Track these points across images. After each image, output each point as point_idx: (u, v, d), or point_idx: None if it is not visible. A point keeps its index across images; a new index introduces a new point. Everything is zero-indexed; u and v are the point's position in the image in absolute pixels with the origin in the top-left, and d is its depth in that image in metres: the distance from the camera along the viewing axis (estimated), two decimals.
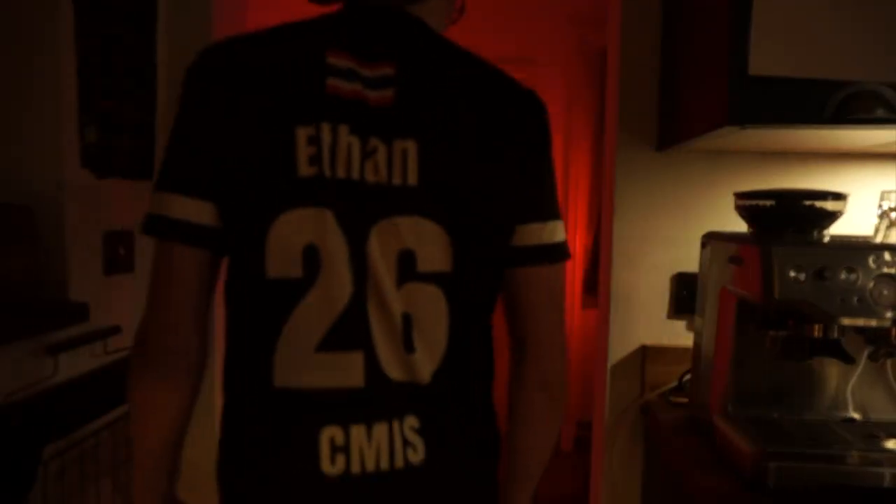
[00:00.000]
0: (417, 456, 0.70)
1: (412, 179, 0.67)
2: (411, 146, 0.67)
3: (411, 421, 0.71)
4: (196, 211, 0.67)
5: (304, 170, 0.65)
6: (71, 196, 1.16)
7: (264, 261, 0.67)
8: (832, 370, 1.19)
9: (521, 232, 0.76)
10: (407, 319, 0.70)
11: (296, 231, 0.66)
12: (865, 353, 1.15)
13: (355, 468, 0.68)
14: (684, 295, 1.51)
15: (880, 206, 1.27)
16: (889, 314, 1.01)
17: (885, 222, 1.24)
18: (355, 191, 0.67)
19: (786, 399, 1.19)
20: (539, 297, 0.78)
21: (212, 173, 0.67)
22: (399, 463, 0.70)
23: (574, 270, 3.67)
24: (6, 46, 1.11)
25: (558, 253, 0.78)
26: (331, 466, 0.68)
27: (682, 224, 1.51)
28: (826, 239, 1.15)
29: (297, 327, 0.68)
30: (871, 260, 1.02)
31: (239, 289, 0.71)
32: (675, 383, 1.48)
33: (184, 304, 0.70)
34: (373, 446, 0.69)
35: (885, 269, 1.02)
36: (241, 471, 0.73)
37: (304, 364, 0.68)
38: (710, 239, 1.32)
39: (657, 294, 1.54)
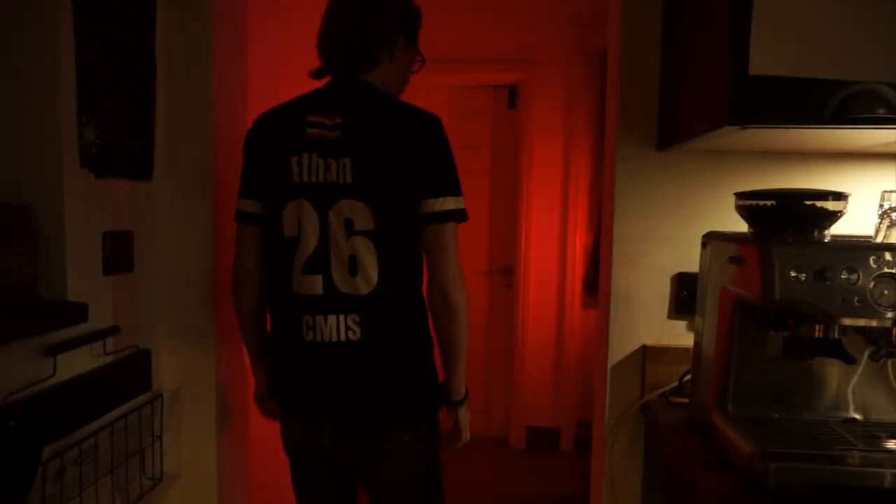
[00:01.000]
0: (355, 336, 1.27)
1: (349, 179, 1.24)
2: (348, 161, 1.24)
3: (353, 316, 1.26)
4: (252, 206, 1.33)
5: (295, 179, 1.27)
6: (70, 196, 1.15)
7: (282, 228, 1.28)
8: (833, 370, 1.19)
9: (424, 205, 1.26)
10: (352, 258, 1.25)
11: (293, 212, 1.27)
12: (866, 353, 1.15)
13: (318, 338, 1.27)
14: (684, 295, 1.51)
15: (881, 206, 1.27)
16: (890, 314, 1.01)
17: (886, 222, 1.24)
18: (320, 188, 1.25)
19: (786, 399, 1.19)
20: (436, 240, 1.27)
21: (255, 187, 1.32)
22: (343, 338, 1.27)
23: (574, 270, 3.68)
24: (5, 46, 1.11)
25: (445, 216, 1.27)
26: (306, 337, 1.28)
27: (682, 224, 1.51)
28: (826, 239, 1.15)
29: (295, 261, 1.27)
30: (871, 260, 1.02)
31: (270, 243, 1.32)
32: (675, 383, 1.48)
33: (248, 254, 1.36)
34: (328, 328, 1.27)
35: (886, 269, 1.02)
36: (273, 337, 1.38)
37: (297, 280, 1.28)
38: (711, 239, 1.32)
39: (657, 294, 1.54)
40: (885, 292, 1.01)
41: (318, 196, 1.25)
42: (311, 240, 1.26)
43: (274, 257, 1.32)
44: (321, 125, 1.26)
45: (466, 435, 1.44)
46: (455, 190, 1.28)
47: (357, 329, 1.27)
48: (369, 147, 1.24)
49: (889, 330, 1.08)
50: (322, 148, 1.25)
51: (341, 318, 1.27)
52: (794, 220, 1.15)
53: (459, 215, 1.28)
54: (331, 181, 1.25)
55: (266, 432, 2.26)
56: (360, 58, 1.32)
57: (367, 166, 1.24)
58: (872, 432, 1.10)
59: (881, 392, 1.18)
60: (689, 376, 1.43)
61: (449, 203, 1.27)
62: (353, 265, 1.25)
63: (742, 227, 1.30)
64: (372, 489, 1.39)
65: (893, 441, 1.07)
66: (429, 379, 1.36)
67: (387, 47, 1.35)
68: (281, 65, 2.41)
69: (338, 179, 1.25)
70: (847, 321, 1.04)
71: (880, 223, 1.26)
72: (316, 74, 1.35)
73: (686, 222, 1.51)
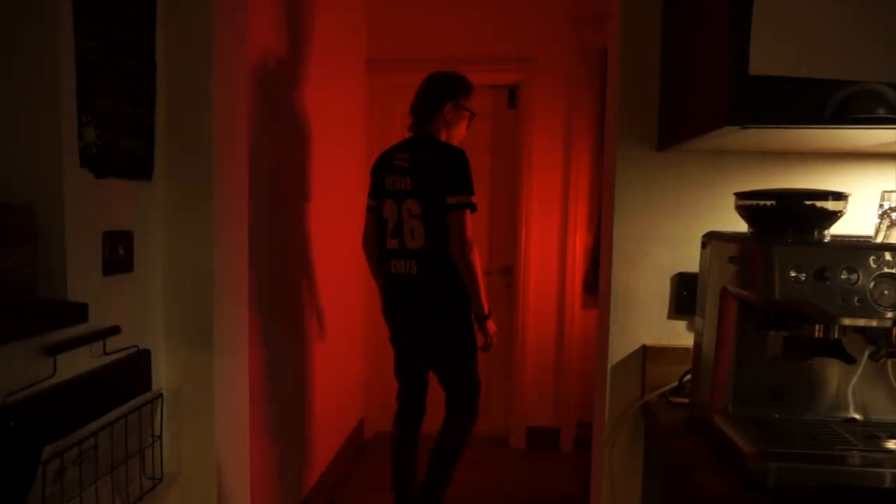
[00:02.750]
0: (414, 271, 2.41)
1: (409, 188, 2.40)
2: (409, 178, 2.41)
3: (413, 261, 2.41)
4: (371, 202, 2.57)
5: (388, 187, 2.46)
6: (70, 196, 1.15)
7: (382, 214, 2.49)
8: (833, 370, 1.19)
9: (447, 199, 2.34)
10: (412, 230, 2.40)
11: (386, 206, 2.47)
12: (866, 353, 1.15)
13: (396, 271, 2.46)
14: (684, 295, 1.51)
15: (881, 206, 1.27)
16: (890, 314, 1.01)
17: (886, 222, 1.24)
18: (397, 193, 2.43)
19: (786, 399, 1.19)
20: (454, 221, 2.34)
21: (373, 192, 2.57)
22: (407, 272, 2.42)
23: (574, 270, 3.68)
24: (5, 46, 1.11)
25: (458, 206, 2.33)
26: (392, 270, 2.48)
27: (682, 224, 1.51)
28: (826, 239, 1.15)
29: (386, 231, 2.48)
30: (871, 260, 1.02)
31: (377, 222, 2.53)
32: (675, 383, 1.48)
33: (370, 228, 2.61)
34: (401, 266, 2.44)
35: (886, 269, 1.02)
36: (380, 270, 2.60)
37: (387, 241, 2.47)
38: (711, 239, 1.32)
39: (657, 294, 1.54)
40: (885, 292, 1.01)
41: (396, 197, 2.43)
42: (392, 220, 2.45)
43: (378, 230, 2.53)
44: (400, 159, 2.46)
45: (493, 340, 2.53)
46: (466, 191, 2.36)
47: (415, 268, 2.42)
48: (420, 170, 2.40)
49: (889, 330, 1.08)
50: (399, 171, 2.44)
51: (407, 261, 2.44)
52: (794, 220, 1.15)
53: (468, 206, 2.35)
54: (402, 189, 2.42)
55: (266, 432, 2.26)
56: (422, 119, 2.52)
57: (418, 181, 2.39)
58: (872, 432, 1.10)
59: (881, 392, 1.18)
60: (689, 376, 1.43)
61: (461, 198, 2.35)
62: (412, 234, 2.41)
63: (742, 227, 1.30)
64: (431, 356, 2.53)
65: (893, 441, 1.07)
66: (453, 296, 2.43)
67: (439, 111, 2.50)
68: (281, 64, 2.41)
69: (404, 188, 2.41)
70: (847, 321, 1.04)
71: (880, 223, 1.26)
72: (410, 129, 2.55)
73: (686, 222, 1.51)
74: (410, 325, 2.49)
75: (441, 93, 2.49)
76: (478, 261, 2.37)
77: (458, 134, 2.56)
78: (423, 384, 2.64)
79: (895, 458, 1.01)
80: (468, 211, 2.33)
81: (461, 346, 2.47)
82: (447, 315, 2.43)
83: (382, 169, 2.49)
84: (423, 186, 2.36)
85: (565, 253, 3.68)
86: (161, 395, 1.42)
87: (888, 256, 1.02)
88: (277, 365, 2.43)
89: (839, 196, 1.13)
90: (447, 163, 2.35)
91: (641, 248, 1.54)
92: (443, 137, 2.49)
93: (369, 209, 2.57)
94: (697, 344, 1.35)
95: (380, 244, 2.51)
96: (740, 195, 1.22)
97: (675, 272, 1.53)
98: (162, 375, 1.48)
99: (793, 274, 1.03)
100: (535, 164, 3.65)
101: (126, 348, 1.33)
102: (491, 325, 2.48)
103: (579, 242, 3.65)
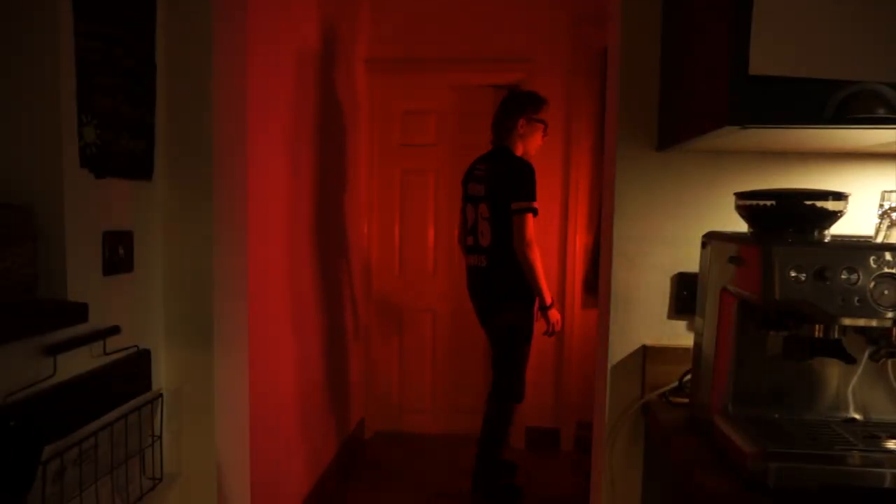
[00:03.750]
0: (484, 264, 2.93)
1: (483, 194, 2.91)
2: (483, 185, 2.92)
3: (483, 255, 2.94)
4: (461, 206, 3.14)
5: (469, 193, 3.02)
6: (70, 196, 1.15)
7: (465, 216, 3.07)
8: (833, 370, 1.19)
9: (511, 205, 2.79)
10: (482, 230, 2.92)
11: (467, 209, 3.04)
12: (866, 353, 1.15)
13: (471, 264, 3.03)
14: (684, 295, 1.51)
15: (881, 206, 1.27)
16: (890, 314, 1.01)
17: (886, 222, 1.24)
18: (474, 198, 2.97)
19: (786, 399, 1.19)
20: (515, 223, 2.77)
21: (462, 197, 3.11)
22: (479, 264, 2.97)
23: (574, 270, 3.67)
24: (5, 46, 1.11)
25: (520, 211, 2.77)
26: (468, 263, 3.06)
27: (682, 224, 1.51)
28: (826, 239, 1.15)
29: (467, 230, 3.05)
30: (871, 260, 1.02)
31: (461, 224, 3.15)
32: (675, 383, 1.48)
33: (460, 230, 3.19)
34: (475, 259, 2.99)
35: (886, 269, 1.02)
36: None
37: (466, 239, 3.06)
38: (711, 239, 1.32)
39: (657, 294, 1.54)
40: (885, 292, 1.01)
41: (474, 201, 2.95)
42: (471, 221, 2.97)
43: (462, 228, 3.09)
44: (479, 169, 2.96)
45: (556, 328, 2.96)
46: (527, 198, 2.76)
47: (485, 261, 2.92)
48: (492, 179, 2.86)
49: (889, 330, 1.08)
50: (477, 179, 2.94)
51: (479, 256, 2.95)
52: (794, 220, 1.15)
53: (529, 211, 2.75)
54: (478, 195, 2.91)
55: (266, 432, 2.26)
56: (499, 134, 2.95)
57: (490, 188, 2.86)
58: (872, 432, 1.10)
59: (881, 392, 1.18)
60: (689, 376, 1.43)
61: (522, 205, 2.75)
62: (483, 233, 2.90)
63: (742, 227, 1.30)
64: (490, 334, 3.00)
65: (893, 441, 1.07)
66: (514, 289, 2.85)
67: (513, 126, 2.90)
68: (281, 64, 2.41)
69: (480, 194, 2.90)
70: (847, 321, 1.04)
71: (880, 223, 1.26)
72: (491, 142, 2.99)
73: (686, 222, 1.51)
74: (480, 311, 3.02)
75: (512, 110, 2.90)
76: (538, 258, 2.78)
77: (534, 144, 2.96)
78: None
79: (895, 458, 1.01)
80: (530, 215, 2.75)
81: (513, 334, 2.90)
82: (507, 305, 2.88)
83: (467, 177, 3.03)
84: (494, 193, 2.83)
85: (565, 253, 3.68)
86: (161, 395, 1.42)
87: (888, 256, 1.02)
88: (277, 365, 2.43)
89: (839, 196, 1.13)
90: (514, 173, 2.79)
91: (641, 248, 1.54)
92: (519, 149, 2.92)
93: (461, 210, 3.12)
94: (697, 344, 1.35)
95: (462, 241, 3.10)
96: (740, 195, 1.22)
97: (675, 272, 1.53)
98: (162, 375, 1.48)
99: (793, 274, 1.03)
100: (535, 164, 3.65)
101: (126, 348, 1.33)
102: (554, 314, 2.91)
103: (579, 242, 3.65)
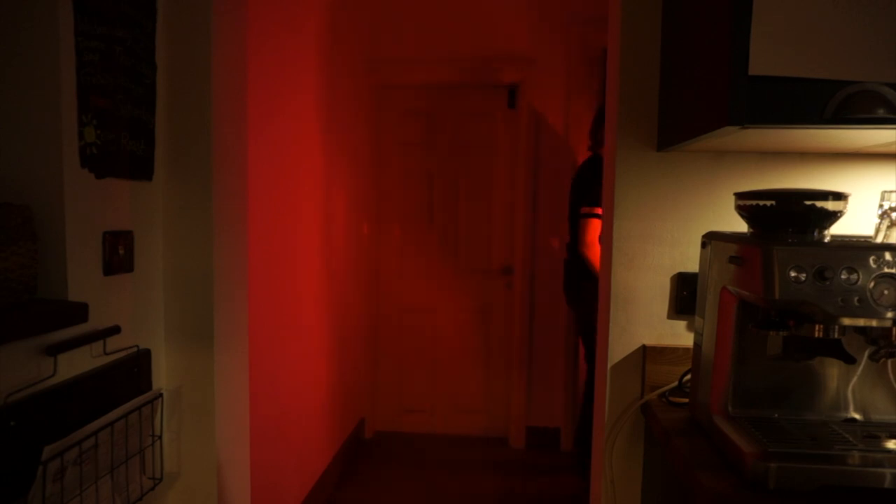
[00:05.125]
0: (568, 260, 3.27)
1: (572, 197, 3.18)
2: (573, 190, 3.20)
3: (568, 254, 3.23)
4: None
5: (570, 196, 3.24)
6: (70, 196, 1.15)
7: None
8: (833, 370, 1.19)
9: (581, 209, 3.00)
10: (569, 229, 3.20)
11: (569, 211, 3.23)
12: (866, 353, 1.15)
13: (565, 258, 3.33)
14: (684, 295, 1.51)
15: (881, 206, 1.27)
16: (890, 314, 1.01)
17: (886, 222, 1.24)
18: (571, 201, 3.19)
19: (786, 399, 1.19)
20: (581, 226, 2.99)
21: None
22: (567, 261, 3.30)
23: None
24: (5, 46, 1.11)
25: (584, 215, 2.96)
26: (565, 257, 3.36)
27: (682, 224, 1.51)
28: (826, 239, 1.15)
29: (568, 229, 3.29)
30: (871, 260, 1.02)
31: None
32: (675, 383, 1.48)
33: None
34: (565, 256, 3.32)
35: (886, 269, 1.02)
36: None
37: (569, 237, 3.25)
38: (711, 239, 1.32)
39: (657, 294, 1.54)
40: (885, 292, 1.01)
41: (570, 204, 3.14)
42: (567, 220, 3.21)
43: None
44: (576, 174, 3.19)
45: None
46: (593, 203, 2.86)
47: (569, 258, 3.17)
48: (575, 184, 3.14)
49: (889, 330, 1.08)
50: (573, 184, 3.17)
51: (567, 253, 3.19)
52: (794, 220, 1.15)
53: (593, 216, 2.89)
54: (571, 199, 3.16)
55: (266, 432, 2.26)
56: (594, 141, 3.07)
57: (573, 192, 3.12)
58: (872, 432, 1.10)
59: (881, 392, 1.18)
60: (689, 376, 1.43)
61: (587, 209, 2.93)
62: (569, 233, 3.16)
63: (742, 227, 1.30)
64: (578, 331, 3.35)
65: (893, 441, 1.07)
66: (586, 285, 2.96)
67: (601, 137, 2.92)
68: (282, 64, 2.41)
69: (572, 197, 3.15)
70: (847, 321, 1.04)
71: (880, 223, 1.26)
72: (588, 149, 3.14)
73: (686, 222, 1.51)
74: (569, 303, 3.32)
75: (603, 118, 3.08)
76: (597, 260, 2.87)
77: None
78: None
79: (895, 458, 1.01)
80: (593, 220, 2.93)
81: (590, 327, 3.07)
82: (583, 299, 3.09)
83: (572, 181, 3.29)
84: (573, 197, 3.13)
85: (565, 253, 3.68)
86: (161, 394, 1.42)
87: (888, 256, 1.02)
88: (277, 365, 2.43)
89: (839, 196, 1.13)
90: (589, 179, 2.96)
91: (641, 248, 1.54)
92: None
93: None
94: (697, 344, 1.35)
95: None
96: (740, 195, 1.22)
97: (675, 272, 1.53)
98: (162, 375, 1.48)
99: (793, 274, 1.03)
100: (534, 165, 3.65)
101: (126, 348, 1.33)
102: None
103: None
